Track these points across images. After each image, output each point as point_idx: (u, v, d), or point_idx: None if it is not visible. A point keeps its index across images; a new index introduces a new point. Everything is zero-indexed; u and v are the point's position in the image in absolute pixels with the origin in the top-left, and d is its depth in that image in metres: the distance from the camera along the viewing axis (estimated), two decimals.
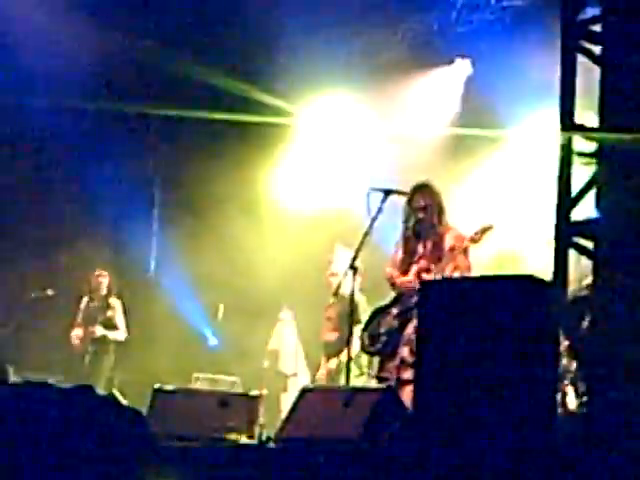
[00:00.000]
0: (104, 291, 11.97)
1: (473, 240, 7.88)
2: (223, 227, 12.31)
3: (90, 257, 12.45)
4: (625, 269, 5.58)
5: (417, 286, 7.06)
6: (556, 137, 5.95)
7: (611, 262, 5.64)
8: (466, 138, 11.20)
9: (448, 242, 7.98)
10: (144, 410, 6.90)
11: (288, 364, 11.07)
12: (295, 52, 11.90)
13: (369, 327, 8.17)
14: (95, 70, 11.89)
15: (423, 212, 8.07)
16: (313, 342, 10.64)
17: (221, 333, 12.62)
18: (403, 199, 8.14)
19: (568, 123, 5.90)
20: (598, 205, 5.76)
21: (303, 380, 10.62)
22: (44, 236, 12.86)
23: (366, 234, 7.91)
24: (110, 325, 11.83)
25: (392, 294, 8.21)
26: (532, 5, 10.87)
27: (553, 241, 5.82)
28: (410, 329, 7.69)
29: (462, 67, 11.93)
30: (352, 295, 8.08)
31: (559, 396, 7.16)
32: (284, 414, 7.04)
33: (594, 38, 6.00)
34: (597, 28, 6.01)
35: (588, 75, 6.02)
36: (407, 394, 6.94)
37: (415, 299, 7.29)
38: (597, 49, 6.00)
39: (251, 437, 7.02)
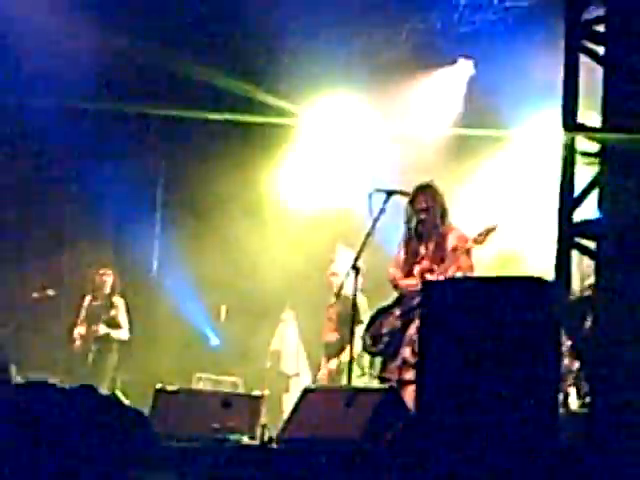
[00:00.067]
0: (108, 290, 11.95)
1: (476, 241, 7.88)
2: (226, 228, 12.31)
3: (92, 258, 12.45)
4: (627, 269, 5.57)
5: (420, 287, 7.06)
6: (559, 137, 5.94)
7: (613, 262, 5.63)
8: (469, 138, 11.19)
9: (451, 243, 7.98)
10: (146, 410, 6.91)
11: (290, 364, 11.06)
12: (298, 52, 11.91)
13: (371, 328, 8.17)
14: (97, 70, 11.89)
15: (425, 213, 8.06)
16: (315, 342, 10.63)
17: (223, 334, 12.63)
18: (406, 200, 8.13)
19: (571, 123, 5.89)
20: (600, 205, 5.75)
21: (305, 380, 10.61)
22: (45, 236, 12.87)
23: (368, 235, 7.90)
24: (113, 324, 11.81)
25: (394, 294, 8.21)
26: (535, 5, 10.85)
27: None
28: (412, 330, 7.69)
29: (465, 67, 11.92)
30: (354, 296, 8.06)
31: (561, 396, 7.15)
32: (286, 414, 7.03)
33: (597, 38, 5.99)
34: (600, 28, 6.00)
35: (591, 75, 6.01)
36: (409, 394, 6.93)
37: (417, 300, 7.28)
38: (600, 49, 5.99)
39: (253, 437, 7.02)
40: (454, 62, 11.99)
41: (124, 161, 12.61)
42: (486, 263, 9.01)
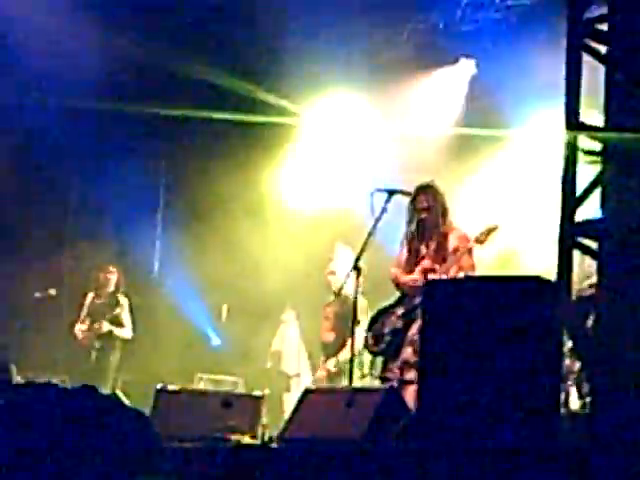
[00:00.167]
0: (111, 288, 11.94)
1: (478, 241, 7.88)
2: (227, 228, 12.30)
3: (93, 258, 12.45)
4: (629, 269, 5.55)
5: (421, 285, 7.05)
6: (561, 136, 5.93)
7: (615, 262, 5.62)
8: (470, 138, 11.18)
9: (452, 243, 7.98)
10: (147, 410, 6.90)
11: (291, 365, 11.05)
12: (299, 52, 11.89)
13: (373, 327, 8.16)
14: (98, 70, 11.87)
15: (426, 213, 8.06)
16: (316, 343, 10.61)
17: (224, 334, 12.62)
18: (407, 199, 8.13)
19: (573, 122, 5.88)
20: (602, 205, 5.73)
21: (306, 380, 10.60)
22: (46, 236, 12.86)
23: (370, 234, 7.89)
24: (117, 322, 11.81)
25: (395, 294, 8.21)
26: (537, 4, 10.84)
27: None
28: (414, 329, 7.68)
29: (466, 66, 11.91)
30: (355, 296, 8.05)
31: (562, 397, 7.13)
32: (287, 414, 7.03)
33: (600, 37, 5.97)
34: (603, 27, 5.98)
35: (593, 74, 6.00)
36: (410, 394, 6.92)
37: (419, 299, 7.27)
38: (603, 48, 5.97)
39: (254, 437, 7.02)
40: (456, 61, 11.98)
41: (125, 161, 12.60)
42: (487, 263, 9.00)
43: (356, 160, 12.23)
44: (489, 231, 7.85)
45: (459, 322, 5.44)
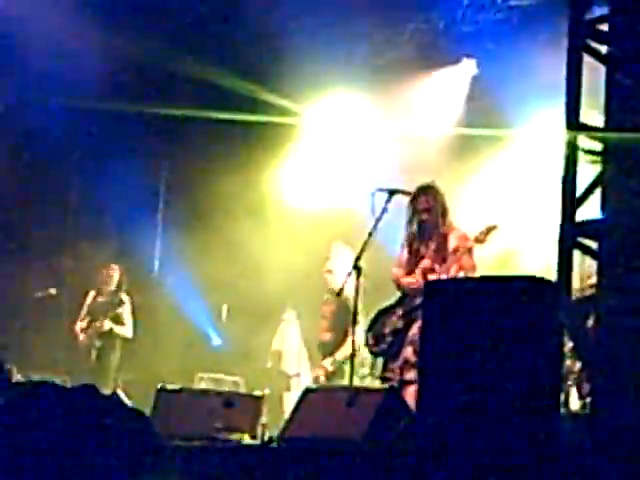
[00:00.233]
0: (113, 286, 11.94)
1: (478, 240, 7.88)
2: (228, 227, 12.29)
3: (94, 258, 12.45)
4: (630, 269, 5.55)
5: (422, 286, 7.06)
6: (561, 137, 5.93)
7: (615, 262, 5.62)
8: (471, 138, 11.17)
9: (452, 243, 7.98)
10: (148, 410, 6.90)
11: (291, 364, 11.04)
12: (300, 52, 11.88)
13: (374, 327, 8.16)
14: (99, 70, 11.88)
15: (426, 214, 8.07)
16: (317, 342, 10.61)
17: (225, 333, 12.62)
18: (408, 199, 8.13)
19: (574, 122, 5.88)
20: (603, 205, 5.73)
21: (306, 380, 10.59)
22: (47, 236, 12.86)
23: (370, 234, 7.89)
24: (118, 320, 11.80)
25: (396, 294, 8.21)
26: (539, 4, 10.82)
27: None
28: (415, 330, 7.68)
29: (468, 67, 11.90)
30: (356, 296, 8.04)
31: (562, 397, 7.13)
32: (287, 414, 7.02)
33: (601, 37, 5.98)
34: (604, 27, 5.99)
35: (594, 74, 6.00)
36: (410, 394, 6.92)
37: (420, 299, 7.27)
38: (603, 48, 5.98)
39: (254, 437, 7.02)
40: (457, 61, 11.97)
41: (126, 161, 12.60)
42: (488, 263, 9.00)
43: (357, 160, 12.22)
44: (489, 230, 7.85)
45: (459, 322, 5.43)
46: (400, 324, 7.99)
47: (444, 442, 5.29)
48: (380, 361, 8.23)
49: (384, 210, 7.88)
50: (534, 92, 10.30)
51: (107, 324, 11.71)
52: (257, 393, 7.59)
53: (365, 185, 9.34)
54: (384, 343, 8.05)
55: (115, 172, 12.43)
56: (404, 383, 7.58)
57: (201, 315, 12.70)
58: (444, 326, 5.51)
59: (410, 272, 8.10)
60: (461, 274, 7.85)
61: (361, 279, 7.94)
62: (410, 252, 8.17)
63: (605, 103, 5.83)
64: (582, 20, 5.98)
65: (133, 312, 11.96)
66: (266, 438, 6.89)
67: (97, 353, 11.70)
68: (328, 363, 9.76)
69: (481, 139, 11.00)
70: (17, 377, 9.73)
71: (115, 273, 11.98)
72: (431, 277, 7.87)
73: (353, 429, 6.11)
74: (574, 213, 5.80)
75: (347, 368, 8.24)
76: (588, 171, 5.94)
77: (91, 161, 12.65)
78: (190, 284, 12.69)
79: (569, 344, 6.52)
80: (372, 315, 8.35)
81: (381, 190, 7.96)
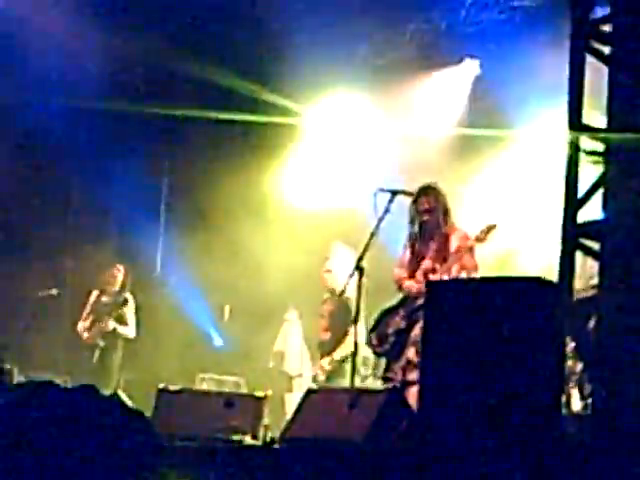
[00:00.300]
0: (117, 286, 11.93)
1: (478, 239, 7.89)
2: (229, 228, 12.28)
3: (95, 258, 12.44)
4: (631, 270, 5.54)
5: (422, 289, 7.05)
6: (564, 137, 5.92)
7: (617, 263, 5.61)
8: (473, 138, 11.16)
9: (454, 243, 7.98)
10: (149, 410, 6.89)
11: (293, 365, 11.03)
12: (302, 52, 11.87)
13: (377, 328, 8.15)
14: (101, 71, 11.87)
15: (428, 214, 8.08)
16: (316, 342, 10.60)
17: (226, 334, 12.61)
18: (410, 199, 8.13)
19: (576, 123, 5.88)
20: (605, 206, 5.72)
21: (308, 381, 10.58)
22: (48, 237, 12.85)
23: (372, 234, 7.87)
24: (122, 320, 11.79)
25: (399, 295, 8.20)
26: (541, 5, 10.81)
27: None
28: (417, 330, 7.68)
29: (470, 67, 11.89)
30: (359, 296, 8.02)
31: (564, 398, 7.13)
32: (289, 415, 7.02)
33: (603, 38, 5.97)
34: (607, 28, 5.98)
35: (597, 75, 5.99)
36: (413, 395, 6.91)
37: (422, 300, 7.26)
38: (606, 49, 5.97)
39: (256, 438, 7.01)
40: (459, 62, 11.96)
41: (127, 161, 12.59)
42: (489, 263, 8.99)
43: (359, 160, 12.21)
44: (489, 229, 7.86)
45: (461, 323, 5.43)
46: (403, 325, 7.98)
47: (445, 442, 5.29)
48: (383, 361, 8.22)
49: (386, 210, 7.86)
50: (536, 92, 10.29)
51: (111, 324, 11.68)
52: (259, 394, 7.57)
53: (366, 185, 9.33)
54: (387, 343, 8.05)
55: (116, 172, 12.43)
56: (406, 384, 7.57)
57: (202, 315, 12.69)
58: (445, 327, 5.51)
59: (412, 272, 8.10)
60: (463, 274, 7.85)
61: (363, 279, 7.93)
62: (412, 253, 8.17)
63: (607, 104, 5.83)
64: (585, 21, 5.97)
65: (136, 312, 11.94)
66: (268, 439, 6.88)
67: (100, 353, 11.68)
68: (326, 362, 9.75)
69: (483, 139, 10.99)
70: (18, 377, 9.73)
71: (119, 273, 11.97)
72: (432, 277, 7.86)
73: (355, 430, 6.11)
74: (576, 214, 5.79)
75: (348, 368, 8.21)
76: (590, 172, 5.93)
77: (92, 161, 12.63)
78: (191, 284, 12.68)
79: (571, 345, 6.52)
80: (375, 315, 8.33)
81: (383, 190, 7.94)
